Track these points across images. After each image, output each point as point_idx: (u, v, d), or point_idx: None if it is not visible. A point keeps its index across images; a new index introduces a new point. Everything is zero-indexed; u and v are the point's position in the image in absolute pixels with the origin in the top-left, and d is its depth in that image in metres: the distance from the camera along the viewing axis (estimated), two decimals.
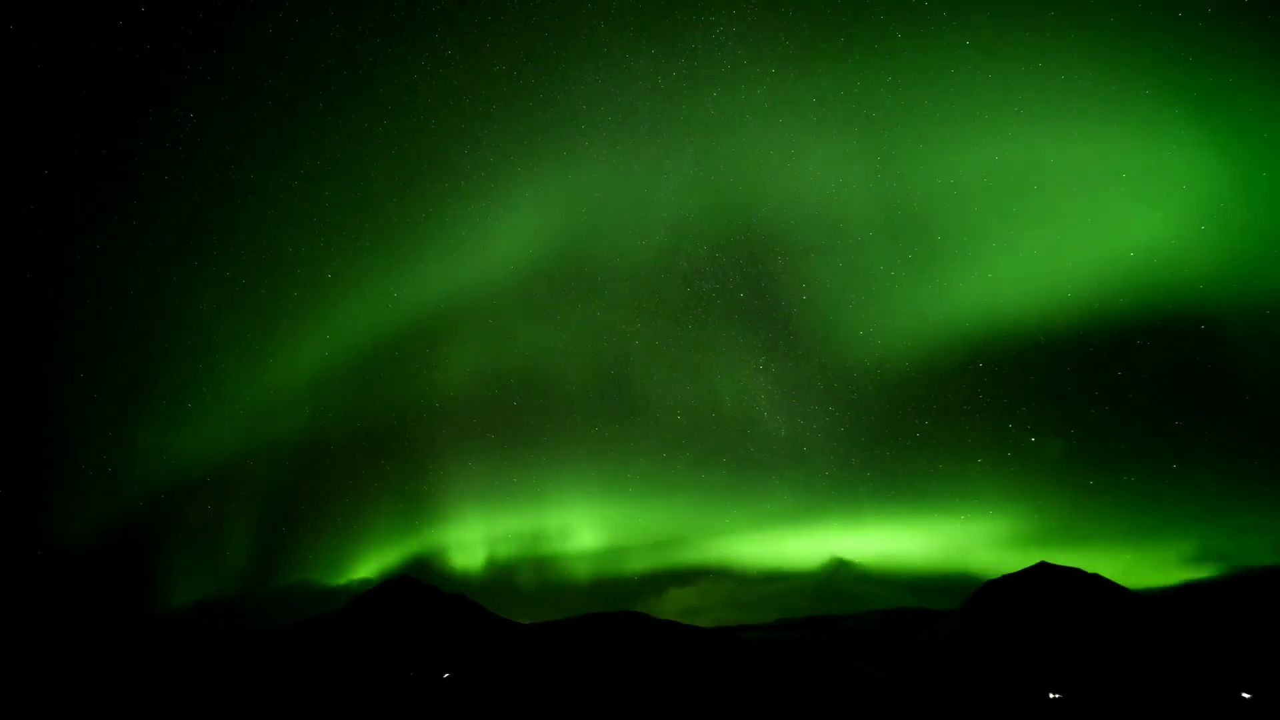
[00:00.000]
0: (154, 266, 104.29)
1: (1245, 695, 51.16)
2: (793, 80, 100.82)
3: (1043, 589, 76.38)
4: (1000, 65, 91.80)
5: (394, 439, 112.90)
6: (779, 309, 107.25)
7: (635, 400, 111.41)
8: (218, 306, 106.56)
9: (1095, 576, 76.33)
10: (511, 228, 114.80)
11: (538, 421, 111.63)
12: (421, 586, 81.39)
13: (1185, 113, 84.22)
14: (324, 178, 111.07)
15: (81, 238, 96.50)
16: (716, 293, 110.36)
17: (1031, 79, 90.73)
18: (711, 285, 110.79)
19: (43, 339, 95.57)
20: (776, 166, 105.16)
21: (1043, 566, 79.85)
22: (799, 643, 77.54)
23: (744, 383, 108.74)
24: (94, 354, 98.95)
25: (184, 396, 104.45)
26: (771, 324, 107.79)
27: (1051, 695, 55.88)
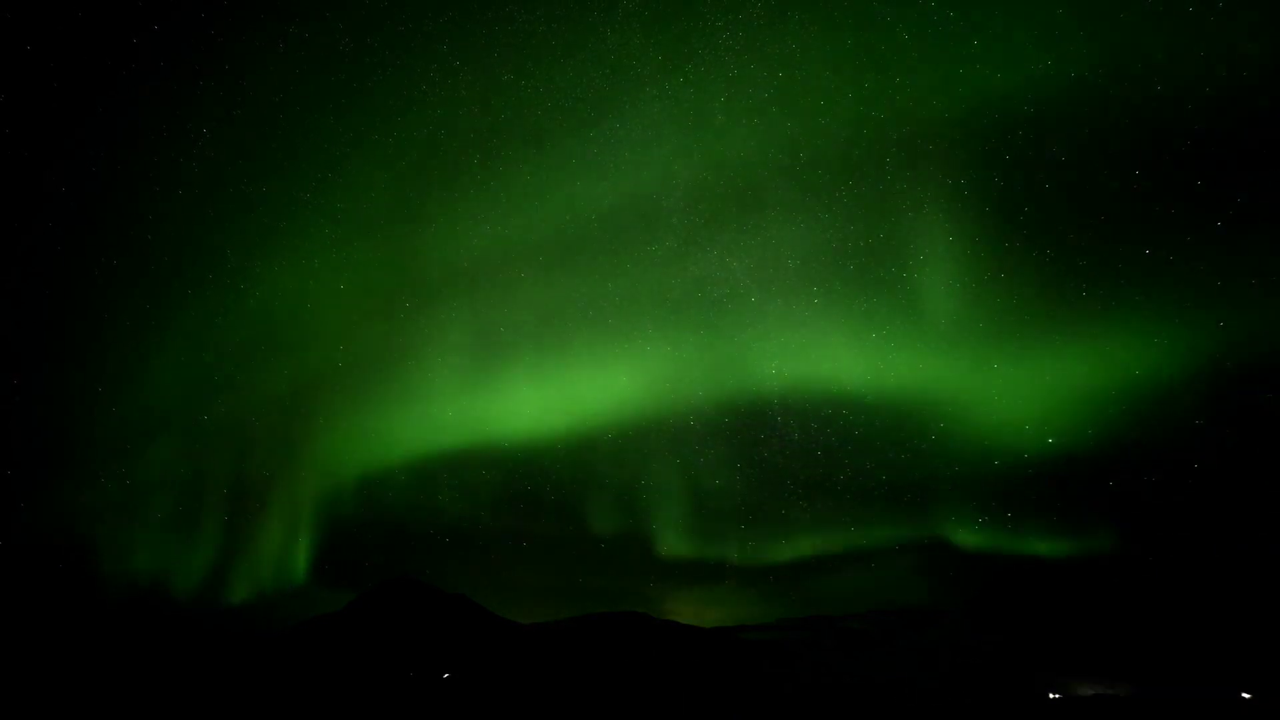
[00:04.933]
0: (168, 280, 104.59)
1: (1245, 695, 51.28)
2: (799, 83, 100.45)
3: (1043, 589, 76.61)
4: (1007, 64, 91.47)
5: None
6: (789, 313, 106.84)
7: (646, 406, 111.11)
8: (231, 319, 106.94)
9: (1094, 575, 76.59)
10: (519, 235, 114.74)
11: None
12: (422, 586, 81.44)
13: (1198, 110, 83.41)
14: (335, 189, 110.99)
15: (96, 253, 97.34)
16: (727, 297, 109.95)
17: (1039, 78, 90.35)
18: (722, 290, 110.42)
19: (56, 351, 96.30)
20: (785, 169, 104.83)
21: (1043, 566, 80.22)
22: (799, 643, 77.67)
23: (757, 385, 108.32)
24: (106, 365, 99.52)
25: (197, 409, 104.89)
26: (782, 327, 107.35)
27: (1051, 695, 55.99)
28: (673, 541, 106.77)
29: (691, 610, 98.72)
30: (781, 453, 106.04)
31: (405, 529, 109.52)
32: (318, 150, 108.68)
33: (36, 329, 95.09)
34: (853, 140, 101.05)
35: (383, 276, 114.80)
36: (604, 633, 68.87)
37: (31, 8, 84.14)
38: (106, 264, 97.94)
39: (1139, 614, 69.08)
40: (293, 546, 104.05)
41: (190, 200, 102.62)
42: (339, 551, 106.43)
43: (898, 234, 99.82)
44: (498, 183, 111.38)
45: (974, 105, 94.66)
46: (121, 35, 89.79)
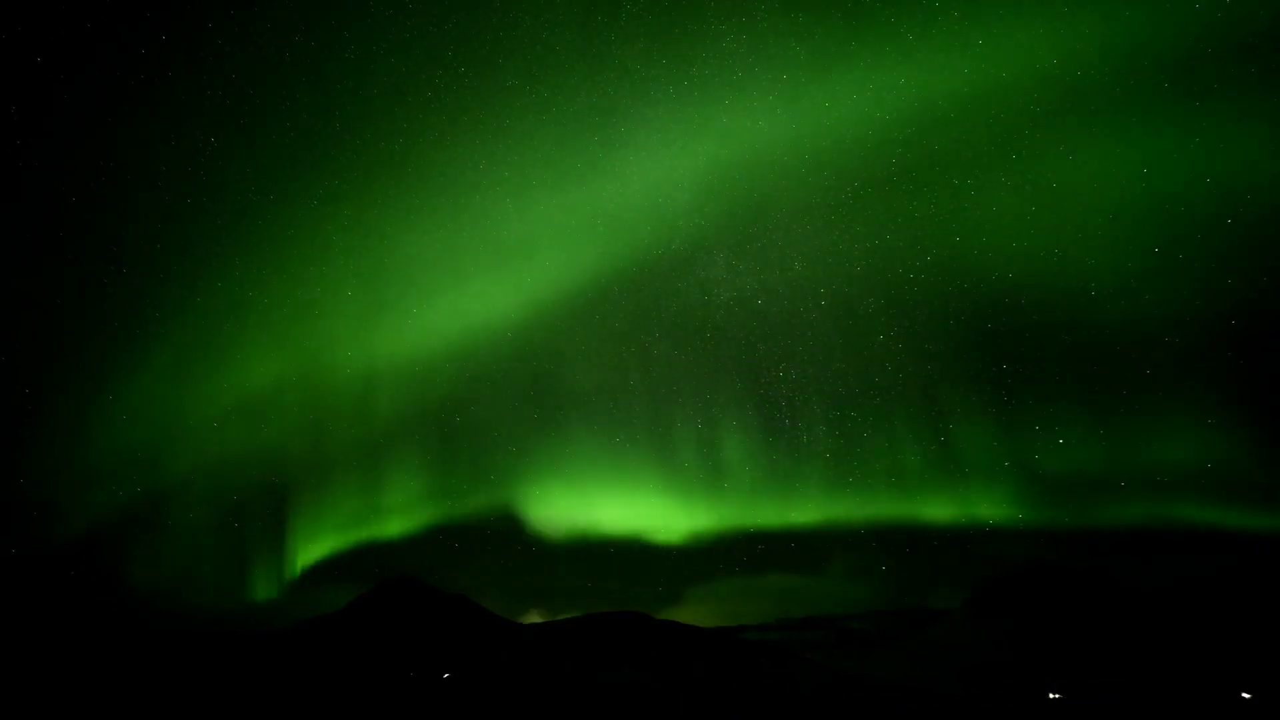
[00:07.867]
0: (176, 289, 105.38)
1: (1245, 695, 51.26)
2: (805, 85, 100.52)
3: (1043, 589, 76.52)
4: (1012, 64, 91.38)
5: (410, 448, 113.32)
6: (796, 315, 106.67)
7: (652, 411, 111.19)
8: (239, 326, 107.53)
9: (1095, 575, 76.53)
10: (522, 239, 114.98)
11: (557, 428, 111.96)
12: (422, 586, 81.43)
13: (1205, 108, 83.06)
14: (342, 197, 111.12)
15: (107, 261, 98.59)
16: (734, 300, 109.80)
17: (1045, 76, 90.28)
18: (728, 293, 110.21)
19: (66, 359, 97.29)
20: (791, 172, 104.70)
21: (1042, 566, 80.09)
22: (799, 643, 77.62)
23: (766, 388, 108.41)
24: (113, 373, 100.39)
25: (209, 414, 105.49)
26: (789, 331, 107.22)
27: (1051, 695, 55.99)
28: (676, 544, 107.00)
29: (692, 610, 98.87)
30: (791, 455, 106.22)
31: (405, 529, 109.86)
32: (324, 157, 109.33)
33: (46, 338, 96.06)
34: (858, 141, 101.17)
35: (389, 284, 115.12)
36: (604, 633, 68.80)
37: (41, 20, 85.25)
38: (116, 272, 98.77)
39: (1138, 613, 69.09)
40: (293, 547, 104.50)
41: (199, 208, 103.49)
42: (340, 552, 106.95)
43: (903, 236, 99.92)
44: (502, 189, 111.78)
45: (979, 104, 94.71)
46: (129, 46, 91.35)
